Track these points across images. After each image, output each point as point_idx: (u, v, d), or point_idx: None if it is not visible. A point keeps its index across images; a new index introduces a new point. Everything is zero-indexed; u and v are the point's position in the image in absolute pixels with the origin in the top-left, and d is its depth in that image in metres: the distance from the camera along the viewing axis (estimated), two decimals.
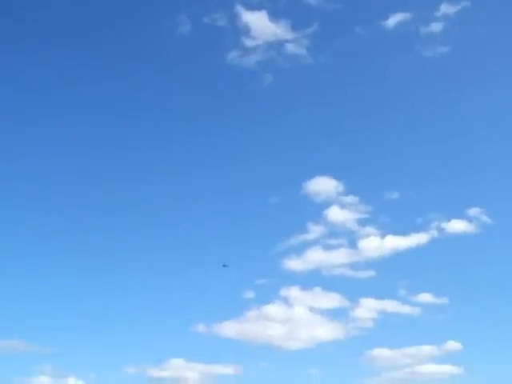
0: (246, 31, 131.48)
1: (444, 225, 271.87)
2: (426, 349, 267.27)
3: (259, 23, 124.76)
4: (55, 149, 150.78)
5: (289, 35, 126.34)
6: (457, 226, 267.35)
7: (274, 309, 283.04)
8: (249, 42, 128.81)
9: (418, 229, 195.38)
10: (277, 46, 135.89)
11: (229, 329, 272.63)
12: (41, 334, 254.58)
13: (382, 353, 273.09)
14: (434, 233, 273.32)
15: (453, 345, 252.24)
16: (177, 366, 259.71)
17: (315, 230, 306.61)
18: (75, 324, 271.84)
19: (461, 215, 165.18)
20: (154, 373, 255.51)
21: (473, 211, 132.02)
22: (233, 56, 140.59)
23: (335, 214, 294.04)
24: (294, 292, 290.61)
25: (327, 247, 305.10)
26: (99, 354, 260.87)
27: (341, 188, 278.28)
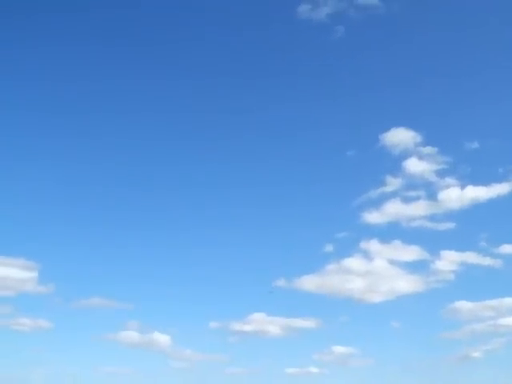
0: None
1: None
2: (509, 301, 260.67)
3: None
4: None
5: None
6: None
7: (353, 262, 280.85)
8: None
9: (499, 179, 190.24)
10: None
11: (309, 283, 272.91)
12: (127, 291, 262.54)
13: (464, 306, 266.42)
14: None
15: None
16: (258, 320, 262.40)
17: (393, 183, 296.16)
18: (159, 280, 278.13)
19: None
20: (237, 327, 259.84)
21: None
22: (303, 9, 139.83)
23: (413, 165, 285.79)
24: (373, 245, 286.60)
25: (406, 199, 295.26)
26: (183, 310, 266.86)
27: (419, 139, 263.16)
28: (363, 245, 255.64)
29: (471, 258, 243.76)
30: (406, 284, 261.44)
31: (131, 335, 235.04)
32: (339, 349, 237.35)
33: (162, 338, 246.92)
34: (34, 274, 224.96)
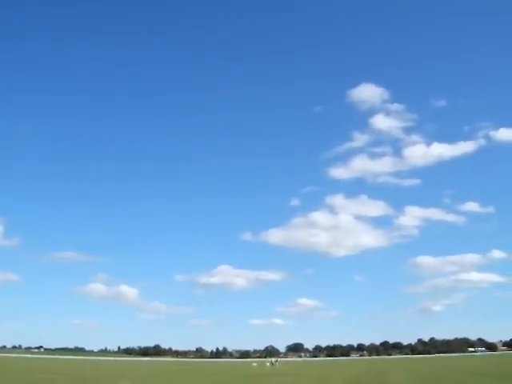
0: None
1: (492, 133, 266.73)
2: (471, 257, 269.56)
3: None
4: None
5: None
6: (506, 134, 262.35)
7: (319, 216, 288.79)
8: None
9: (465, 137, 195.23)
10: None
11: (275, 236, 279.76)
12: (94, 246, 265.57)
13: (426, 260, 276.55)
14: (482, 141, 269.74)
15: (497, 254, 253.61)
16: (225, 272, 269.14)
17: (360, 139, 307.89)
18: (127, 235, 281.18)
19: (510, 124, 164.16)
20: (203, 279, 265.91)
21: None
22: None
23: (380, 122, 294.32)
24: (339, 200, 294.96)
25: (372, 155, 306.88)
26: (150, 264, 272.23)
27: (386, 95, 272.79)
28: (329, 199, 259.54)
29: (435, 214, 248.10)
30: (371, 239, 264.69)
31: (99, 288, 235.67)
32: (304, 301, 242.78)
33: (130, 291, 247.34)
34: None
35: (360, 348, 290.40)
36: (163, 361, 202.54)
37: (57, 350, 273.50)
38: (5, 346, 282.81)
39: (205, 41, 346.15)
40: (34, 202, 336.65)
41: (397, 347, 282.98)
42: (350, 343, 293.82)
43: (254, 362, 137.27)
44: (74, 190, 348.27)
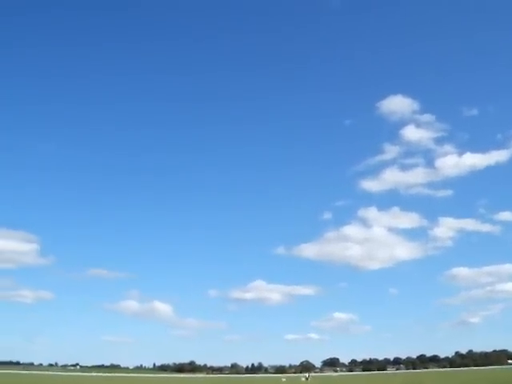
0: None
1: None
2: (507, 267, 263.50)
3: None
4: None
5: None
6: None
7: (352, 230, 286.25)
8: None
9: (497, 146, 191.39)
10: None
11: (308, 250, 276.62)
12: (127, 262, 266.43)
13: (462, 272, 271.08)
14: None
15: None
16: (259, 287, 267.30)
17: (391, 150, 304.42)
18: (159, 251, 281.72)
19: None
20: (237, 294, 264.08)
21: None
22: None
23: (411, 133, 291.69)
24: (371, 213, 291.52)
25: (404, 167, 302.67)
26: (183, 279, 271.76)
27: (416, 106, 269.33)
28: (361, 212, 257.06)
29: (469, 224, 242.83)
30: (405, 251, 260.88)
31: (132, 305, 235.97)
32: (338, 315, 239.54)
33: (163, 307, 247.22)
34: (34, 247, 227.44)
35: (396, 362, 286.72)
36: (199, 377, 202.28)
37: (93, 367, 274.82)
38: (41, 364, 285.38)
39: (232, 51, 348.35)
40: (67, 220, 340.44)
41: (434, 360, 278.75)
42: (387, 357, 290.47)
43: (283, 377, 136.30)
44: (106, 208, 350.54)
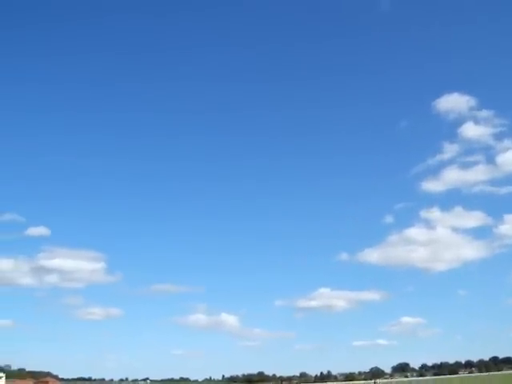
0: None
1: None
2: None
3: None
4: None
5: None
6: None
7: (415, 232, 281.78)
8: None
9: None
10: None
11: (371, 255, 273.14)
12: (192, 276, 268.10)
13: None
14: None
15: None
16: (324, 294, 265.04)
17: (450, 149, 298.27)
18: (223, 264, 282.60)
19: None
20: (303, 303, 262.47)
21: None
22: None
23: (470, 130, 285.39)
24: (434, 213, 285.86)
25: (464, 165, 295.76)
26: (249, 291, 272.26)
27: (473, 103, 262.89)
28: (424, 214, 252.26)
29: None
30: (471, 251, 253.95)
31: (200, 318, 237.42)
32: (406, 319, 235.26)
33: (230, 319, 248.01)
34: (101, 265, 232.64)
35: (469, 365, 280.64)
36: None
37: (163, 381, 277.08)
38: (112, 380, 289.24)
39: (282, 59, 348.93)
40: (132, 238, 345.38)
41: (508, 362, 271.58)
42: (458, 360, 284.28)
43: None
44: (169, 224, 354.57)
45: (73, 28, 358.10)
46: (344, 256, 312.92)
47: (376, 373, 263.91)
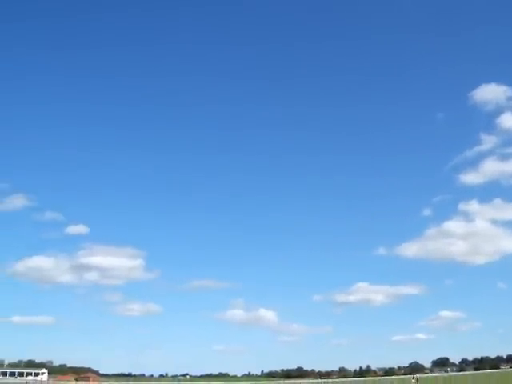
0: None
1: None
2: None
3: None
4: None
5: None
6: None
7: (453, 225, 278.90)
8: None
9: None
10: None
11: (409, 249, 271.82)
12: (230, 272, 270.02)
13: None
14: None
15: None
16: (362, 289, 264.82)
17: (489, 140, 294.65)
18: (260, 259, 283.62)
19: None
20: (341, 298, 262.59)
21: None
22: None
23: (508, 121, 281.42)
24: (472, 206, 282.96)
25: (503, 156, 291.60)
26: (287, 286, 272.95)
27: (511, 93, 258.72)
28: (462, 206, 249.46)
29: None
30: (511, 243, 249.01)
31: (238, 313, 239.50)
32: (446, 314, 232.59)
33: (268, 314, 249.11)
34: (140, 262, 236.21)
35: (511, 359, 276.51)
36: (305, 382, 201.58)
37: (202, 376, 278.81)
38: (152, 375, 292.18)
39: (311, 54, 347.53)
40: (169, 234, 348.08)
41: None
42: (499, 354, 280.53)
43: (392, 379, 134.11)
44: (205, 220, 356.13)
45: (74, 21, 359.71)
46: (382, 250, 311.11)
47: (415, 367, 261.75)
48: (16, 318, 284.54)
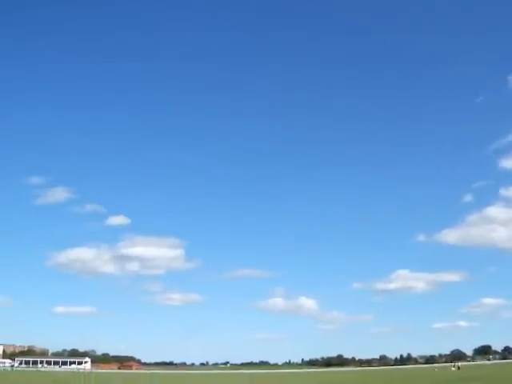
0: None
1: None
2: None
3: None
4: None
5: None
6: None
7: (495, 210, 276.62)
8: None
9: None
10: None
11: (450, 236, 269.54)
12: (270, 261, 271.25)
13: None
14: None
15: None
16: (402, 276, 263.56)
17: None
18: (299, 248, 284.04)
19: None
20: (381, 286, 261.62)
21: None
22: None
23: None
24: None
25: None
26: (327, 274, 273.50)
27: None
28: (504, 192, 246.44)
29: None
30: None
31: (279, 302, 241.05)
32: (488, 301, 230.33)
33: (308, 303, 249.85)
34: (180, 252, 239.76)
35: None
36: (344, 370, 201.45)
37: (242, 364, 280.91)
38: (193, 364, 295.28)
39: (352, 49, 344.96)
40: (208, 225, 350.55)
41: None
42: None
43: (435, 367, 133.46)
44: (246, 209, 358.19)
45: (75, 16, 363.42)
46: (421, 237, 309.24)
47: (457, 355, 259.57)
48: (59, 309, 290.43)
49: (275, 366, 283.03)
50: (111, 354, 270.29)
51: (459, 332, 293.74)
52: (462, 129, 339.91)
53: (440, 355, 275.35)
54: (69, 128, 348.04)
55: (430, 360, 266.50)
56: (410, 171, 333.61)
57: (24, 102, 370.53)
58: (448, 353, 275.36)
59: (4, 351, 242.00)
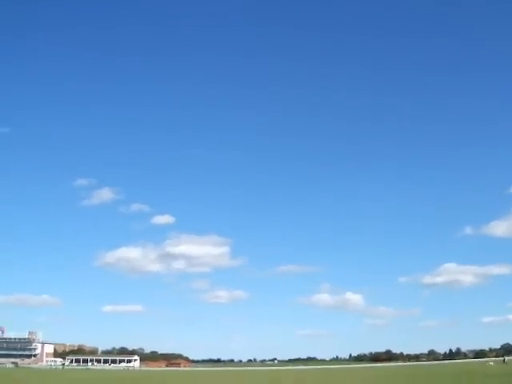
0: None
1: None
2: None
3: None
4: None
5: None
6: None
7: None
8: None
9: None
10: None
11: (498, 228, 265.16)
12: (315, 257, 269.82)
13: None
14: None
15: None
16: (450, 270, 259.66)
17: None
18: (344, 243, 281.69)
19: None
20: (428, 279, 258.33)
21: None
22: None
23: None
24: None
25: None
26: (372, 268, 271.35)
27: None
28: None
29: None
30: None
31: (325, 297, 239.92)
32: None
33: (355, 298, 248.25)
34: (226, 249, 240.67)
35: None
36: (392, 366, 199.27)
37: (290, 360, 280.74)
38: (241, 360, 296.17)
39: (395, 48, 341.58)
40: (253, 222, 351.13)
41: None
42: None
43: (490, 361, 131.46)
44: (290, 206, 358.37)
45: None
46: (468, 230, 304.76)
47: (508, 349, 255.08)
48: (108, 308, 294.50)
49: (323, 361, 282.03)
50: (159, 351, 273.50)
51: (510, 325, 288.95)
52: (509, 117, 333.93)
53: (490, 349, 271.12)
54: (112, 129, 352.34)
55: (479, 354, 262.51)
56: (457, 161, 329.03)
57: (69, 105, 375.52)
58: (498, 347, 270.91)
59: (55, 350, 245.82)
